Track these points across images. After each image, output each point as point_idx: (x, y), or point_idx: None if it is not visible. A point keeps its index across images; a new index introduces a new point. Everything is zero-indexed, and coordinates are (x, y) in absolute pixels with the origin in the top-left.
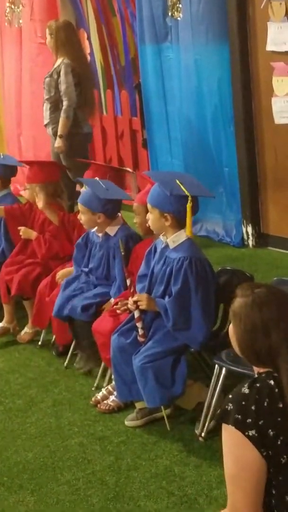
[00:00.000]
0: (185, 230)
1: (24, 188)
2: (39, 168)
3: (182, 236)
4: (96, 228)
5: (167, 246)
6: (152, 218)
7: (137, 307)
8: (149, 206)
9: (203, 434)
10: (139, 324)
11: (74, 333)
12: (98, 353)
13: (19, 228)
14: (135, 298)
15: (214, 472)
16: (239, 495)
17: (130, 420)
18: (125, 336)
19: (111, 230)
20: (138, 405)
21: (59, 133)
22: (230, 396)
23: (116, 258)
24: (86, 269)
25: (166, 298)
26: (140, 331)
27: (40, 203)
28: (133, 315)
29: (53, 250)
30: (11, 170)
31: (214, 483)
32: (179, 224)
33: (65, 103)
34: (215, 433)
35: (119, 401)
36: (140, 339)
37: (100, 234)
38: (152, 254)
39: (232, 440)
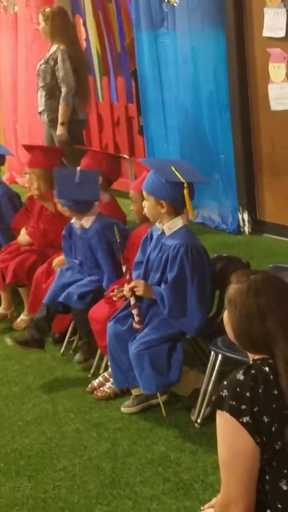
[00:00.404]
0: (181, 217)
1: (21, 175)
2: (42, 153)
3: (178, 223)
4: (74, 219)
5: (163, 233)
6: (148, 205)
7: (133, 294)
8: (144, 193)
9: (199, 421)
10: (135, 311)
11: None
12: (95, 341)
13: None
14: (131, 284)
15: (210, 458)
16: (233, 481)
17: (126, 407)
18: (121, 323)
19: (86, 222)
20: (134, 392)
21: (60, 120)
22: (225, 382)
23: (99, 251)
24: (76, 261)
25: (162, 285)
26: (136, 318)
27: (36, 190)
28: (129, 302)
29: (48, 237)
30: (0, 159)
31: (209, 469)
32: (175, 211)
33: (63, 90)
34: (210, 420)
35: (115, 387)
36: (136, 326)
37: (77, 226)
38: (148, 241)
39: (226, 427)
